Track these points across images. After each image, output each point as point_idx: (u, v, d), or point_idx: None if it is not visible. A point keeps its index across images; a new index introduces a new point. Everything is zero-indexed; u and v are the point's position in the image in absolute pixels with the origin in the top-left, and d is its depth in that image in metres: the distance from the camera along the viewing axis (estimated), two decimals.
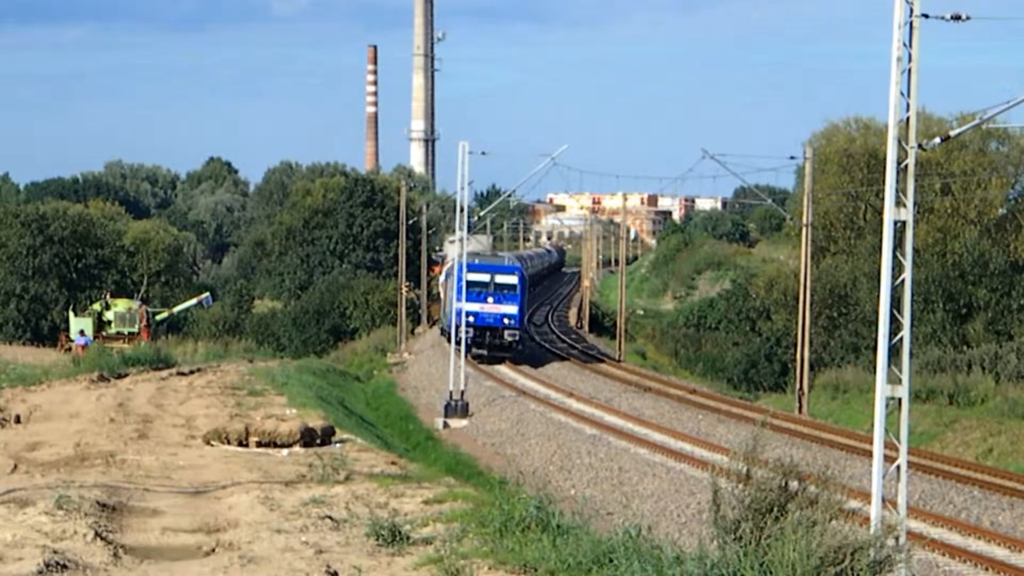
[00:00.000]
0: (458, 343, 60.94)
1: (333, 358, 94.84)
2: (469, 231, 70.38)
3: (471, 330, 70.66)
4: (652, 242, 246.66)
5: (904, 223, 23.11)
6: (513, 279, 75.92)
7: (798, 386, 60.73)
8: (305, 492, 25.05)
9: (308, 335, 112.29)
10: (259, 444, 32.61)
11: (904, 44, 22.72)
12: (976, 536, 32.34)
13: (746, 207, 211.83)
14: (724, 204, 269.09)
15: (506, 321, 75.28)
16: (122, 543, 20.37)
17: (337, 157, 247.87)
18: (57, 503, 22.31)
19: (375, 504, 23.74)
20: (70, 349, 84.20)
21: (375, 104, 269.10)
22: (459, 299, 71.11)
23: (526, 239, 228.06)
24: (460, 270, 72.80)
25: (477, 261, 77.24)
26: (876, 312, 23.55)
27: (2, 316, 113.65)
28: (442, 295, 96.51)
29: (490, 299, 74.69)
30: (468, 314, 70.15)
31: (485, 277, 75.16)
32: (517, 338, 76.25)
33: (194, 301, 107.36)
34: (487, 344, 75.41)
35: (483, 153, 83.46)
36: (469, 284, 72.54)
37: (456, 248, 76.70)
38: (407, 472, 29.25)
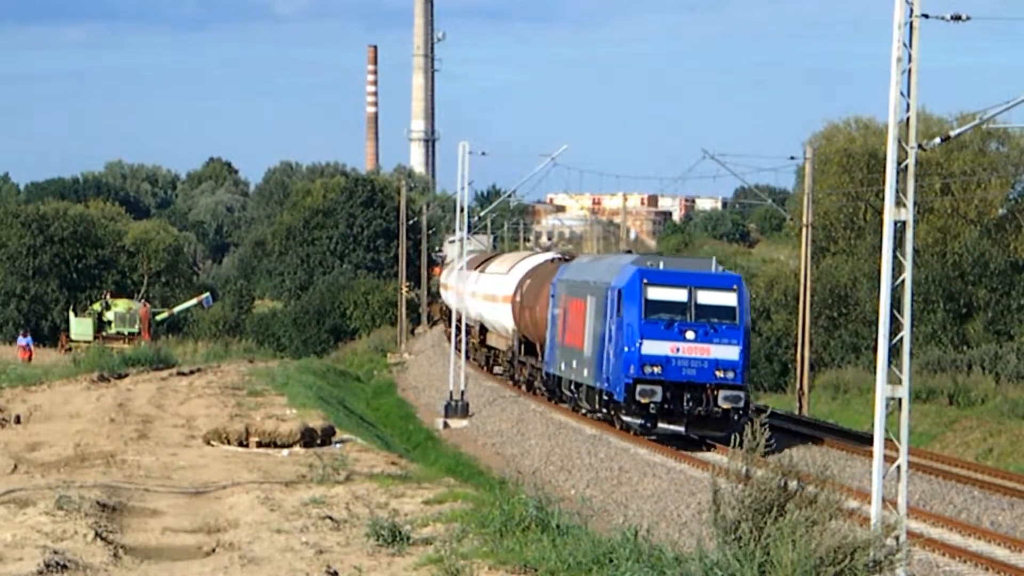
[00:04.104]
0: (458, 344, 60.31)
1: (333, 358, 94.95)
2: (469, 231, 69.98)
3: (656, 389, 43.09)
4: (652, 242, 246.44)
5: (904, 223, 23.12)
6: (731, 298, 43.73)
7: (798, 386, 60.73)
8: (305, 492, 25.06)
9: (308, 335, 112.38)
10: (259, 444, 32.64)
11: (904, 44, 22.73)
12: (976, 536, 32.31)
13: (746, 207, 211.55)
14: (724, 204, 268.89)
15: (720, 374, 43.16)
16: (122, 543, 20.39)
17: (337, 157, 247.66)
18: (57, 503, 22.32)
19: (375, 504, 23.76)
20: (70, 349, 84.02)
21: (375, 104, 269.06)
22: (635, 337, 43.36)
23: (526, 239, 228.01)
24: (636, 281, 43.90)
25: (661, 266, 45.20)
26: (876, 312, 23.57)
27: (2, 316, 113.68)
28: (449, 302, 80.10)
29: (689, 333, 43.21)
30: (650, 361, 43.25)
31: (680, 294, 43.69)
32: (742, 405, 43.08)
33: (194, 301, 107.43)
34: (686, 413, 43.28)
35: (483, 153, 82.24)
36: (649, 306, 43.53)
37: (456, 248, 76.21)
38: (407, 472, 29.28)
